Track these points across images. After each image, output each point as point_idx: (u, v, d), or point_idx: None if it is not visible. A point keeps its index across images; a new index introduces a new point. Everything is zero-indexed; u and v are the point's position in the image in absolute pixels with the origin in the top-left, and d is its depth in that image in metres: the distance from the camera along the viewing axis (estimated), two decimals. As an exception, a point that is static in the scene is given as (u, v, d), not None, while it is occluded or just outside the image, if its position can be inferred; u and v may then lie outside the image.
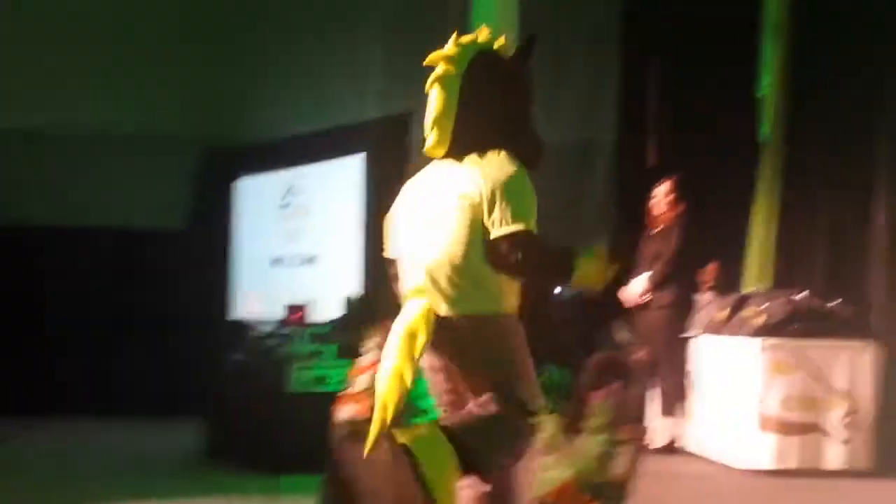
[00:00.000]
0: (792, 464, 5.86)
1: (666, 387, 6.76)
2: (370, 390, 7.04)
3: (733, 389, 6.20)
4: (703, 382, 6.62)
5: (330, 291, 10.70)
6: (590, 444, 3.45)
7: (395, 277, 3.69)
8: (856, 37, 6.96)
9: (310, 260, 11.91)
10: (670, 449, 6.57)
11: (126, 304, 11.94)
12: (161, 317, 11.85)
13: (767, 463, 5.86)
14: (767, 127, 7.79)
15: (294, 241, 12.14)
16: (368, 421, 7.12)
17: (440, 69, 3.61)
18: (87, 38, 12.14)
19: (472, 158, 3.52)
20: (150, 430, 10.41)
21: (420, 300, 3.48)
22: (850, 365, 5.97)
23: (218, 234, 12.65)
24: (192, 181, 12.92)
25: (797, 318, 6.21)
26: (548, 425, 3.47)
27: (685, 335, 6.82)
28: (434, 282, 3.46)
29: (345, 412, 7.02)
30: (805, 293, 6.50)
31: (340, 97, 12.26)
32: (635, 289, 6.85)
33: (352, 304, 10.09)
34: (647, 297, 6.86)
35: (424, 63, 3.66)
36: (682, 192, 7.06)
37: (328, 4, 12.26)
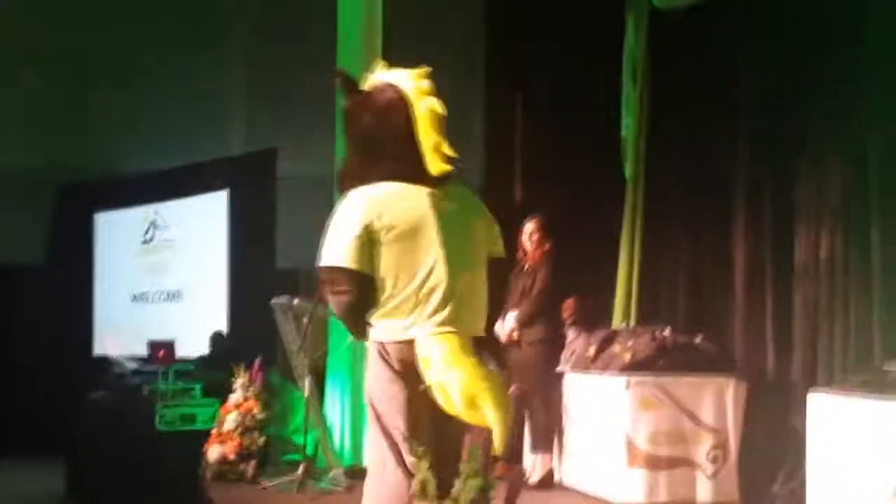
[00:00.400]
0: (661, 498, 5.93)
1: (538, 422, 6.82)
2: (239, 430, 6.98)
3: (603, 425, 6.27)
4: (575, 418, 6.70)
5: (195, 328, 10.52)
6: (465, 488, 3.42)
7: (351, 294, 3.54)
8: (713, 77, 7.17)
9: (173, 296, 11.71)
10: (546, 484, 6.62)
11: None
12: (20, 354, 11.50)
13: (638, 497, 5.93)
14: (628, 166, 7.94)
15: (157, 276, 11.92)
16: (237, 462, 7.03)
17: (433, 89, 3.63)
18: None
19: (455, 184, 3.64)
20: (7, 471, 10.07)
21: (443, 329, 3.46)
22: (715, 400, 6.08)
23: (77, 270, 12.35)
24: (50, 215, 12.60)
25: (663, 355, 6.32)
26: (421, 468, 3.43)
27: (556, 371, 6.89)
28: (458, 305, 3.50)
29: (214, 453, 6.91)
30: (668, 329, 6.63)
31: (205, 132, 12.12)
32: (506, 325, 6.89)
33: (218, 342, 9.95)
34: (517, 334, 6.90)
35: (425, 86, 3.64)
36: (548, 230, 7.12)
37: (192, 39, 12.13)
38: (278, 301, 6.96)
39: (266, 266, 10.70)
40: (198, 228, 11.57)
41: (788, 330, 6.24)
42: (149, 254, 12.09)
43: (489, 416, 3.36)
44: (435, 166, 3.54)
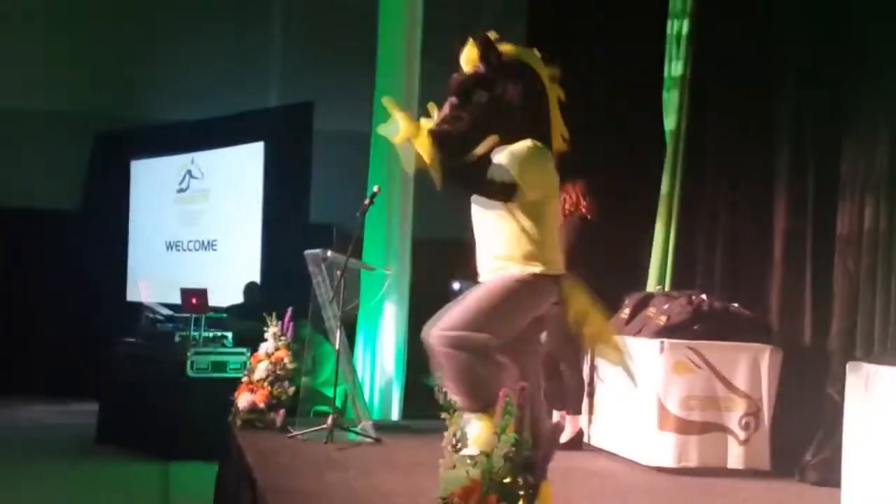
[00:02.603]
0: (692, 462, 5.90)
1: (567, 382, 6.78)
2: (269, 378, 6.98)
3: (634, 387, 6.22)
4: (606, 380, 6.66)
5: (228, 278, 10.57)
6: (500, 441, 3.39)
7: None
8: (759, 40, 7.06)
9: (207, 245, 11.74)
10: (576, 445, 6.58)
11: (19, 283, 11.67)
12: (55, 298, 11.59)
13: (669, 461, 5.90)
14: (669, 128, 7.86)
15: (191, 225, 11.95)
16: (267, 410, 7.05)
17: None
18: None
19: None
20: (41, 413, 10.20)
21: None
22: (750, 366, 6.02)
23: (112, 216, 12.41)
24: (87, 162, 12.65)
25: (698, 320, 6.26)
26: (454, 421, 3.41)
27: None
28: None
29: (243, 400, 6.92)
30: (704, 295, 6.58)
31: (243, 83, 12.12)
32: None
33: (250, 292, 9.97)
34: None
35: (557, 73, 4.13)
36: (584, 192, 7.05)
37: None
38: (312, 252, 6.94)
39: (300, 219, 10.71)
40: (233, 179, 11.58)
41: (827, 300, 6.16)
42: (184, 202, 12.12)
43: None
44: (558, 146, 4.04)
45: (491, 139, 4.06)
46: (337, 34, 11.55)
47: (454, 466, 3.32)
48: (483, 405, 3.72)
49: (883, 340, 5.54)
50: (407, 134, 3.87)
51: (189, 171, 12.08)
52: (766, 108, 6.94)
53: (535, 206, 3.96)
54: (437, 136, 3.92)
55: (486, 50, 4.05)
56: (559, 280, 4.01)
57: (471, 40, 4.09)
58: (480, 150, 4.06)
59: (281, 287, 9.33)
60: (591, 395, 6.80)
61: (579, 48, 8.63)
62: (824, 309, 6.19)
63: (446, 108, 4.09)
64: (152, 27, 12.22)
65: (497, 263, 4.00)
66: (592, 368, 6.82)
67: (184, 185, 12.13)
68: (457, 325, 3.79)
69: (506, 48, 4.11)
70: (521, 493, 3.16)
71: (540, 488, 3.52)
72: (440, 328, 3.81)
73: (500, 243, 4.01)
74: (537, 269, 3.94)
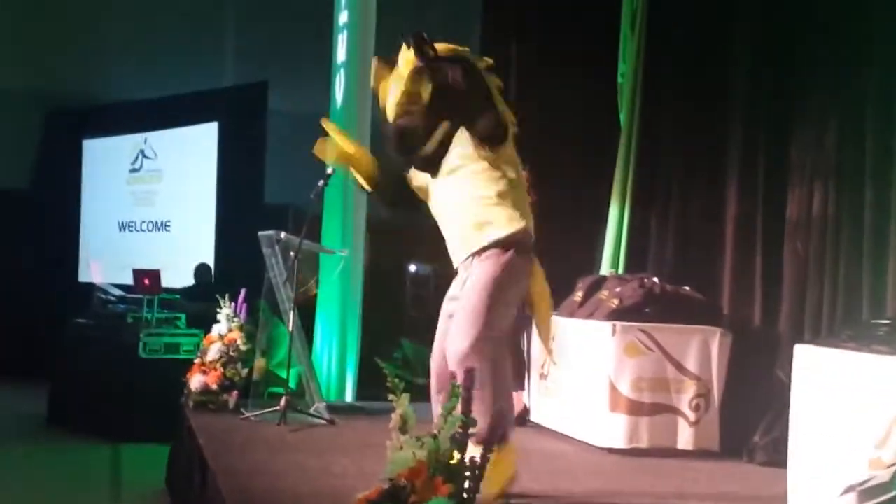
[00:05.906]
0: (643, 443, 5.97)
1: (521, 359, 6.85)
2: (222, 360, 6.96)
3: (587, 370, 6.29)
4: (559, 362, 6.68)
5: (182, 259, 10.51)
6: (446, 423, 3.40)
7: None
8: (711, 30, 7.11)
9: (161, 226, 11.68)
10: (519, 422, 6.60)
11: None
12: (5, 278, 11.46)
13: (620, 442, 5.96)
14: (623, 114, 7.91)
15: (145, 206, 11.88)
16: (219, 392, 7.03)
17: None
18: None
19: None
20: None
21: None
22: (700, 349, 6.08)
23: (64, 196, 12.29)
24: (38, 141, 12.51)
25: (650, 303, 6.32)
26: (401, 402, 3.41)
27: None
28: None
29: (196, 382, 6.90)
30: (656, 278, 6.64)
31: (197, 62, 12.03)
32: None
33: (204, 273, 9.92)
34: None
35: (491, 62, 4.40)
36: (534, 178, 7.07)
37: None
38: (265, 234, 6.94)
39: (254, 200, 10.67)
40: (187, 159, 11.51)
41: (777, 283, 6.24)
42: (137, 183, 12.04)
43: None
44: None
45: (445, 125, 4.22)
46: (292, 13, 11.50)
47: (401, 448, 3.33)
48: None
49: (830, 323, 5.62)
50: (344, 157, 4.32)
51: (142, 151, 11.99)
52: (718, 94, 6.99)
53: (503, 165, 4.26)
54: (394, 133, 4.15)
55: (420, 45, 4.21)
56: (532, 259, 4.31)
57: (404, 44, 4.26)
58: (436, 138, 4.19)
59: (236, 268, 9.30)
60: (528, 371, 6.90)
61: (535, 35, 8.69)
62: (774, 292, 6.27)
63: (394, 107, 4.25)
64: (106, 4, 12.10)
65: (477, 232, 4.23)
66: (530, 344, 6.89)
67: (137, 165, 12.04)
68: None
69: (439, 47, 4.30)
70: (468, 473, 3.17)
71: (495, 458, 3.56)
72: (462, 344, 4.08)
73: (474, 210, 4.24)
74: (521, 224, 4.23)
